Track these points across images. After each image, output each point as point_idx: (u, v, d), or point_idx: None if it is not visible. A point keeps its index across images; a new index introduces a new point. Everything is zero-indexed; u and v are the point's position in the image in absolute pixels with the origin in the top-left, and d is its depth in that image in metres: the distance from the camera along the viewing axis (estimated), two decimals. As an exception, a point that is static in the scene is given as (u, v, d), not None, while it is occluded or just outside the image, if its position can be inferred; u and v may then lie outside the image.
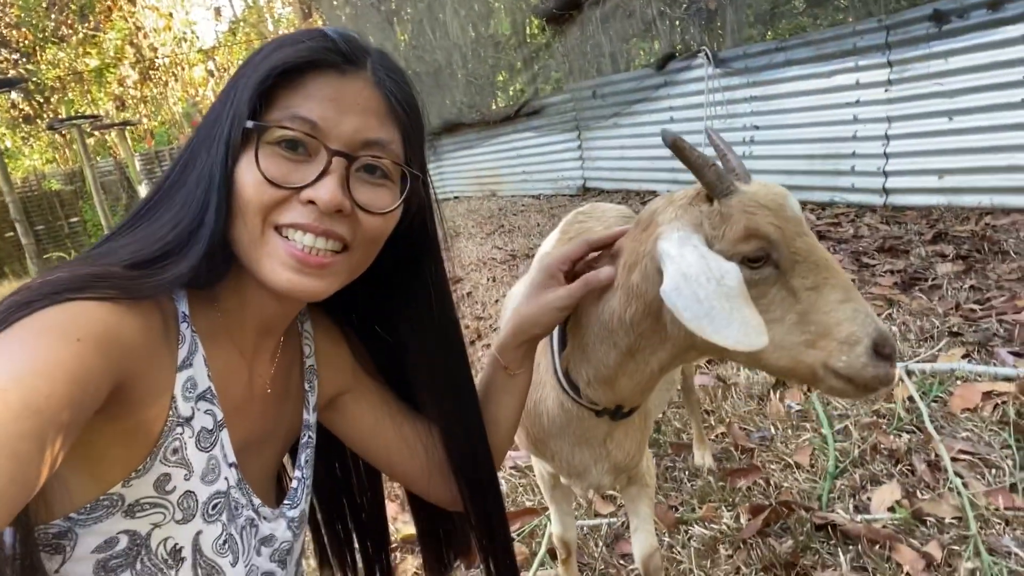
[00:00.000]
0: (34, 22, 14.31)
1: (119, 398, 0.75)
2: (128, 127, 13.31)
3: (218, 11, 18.07)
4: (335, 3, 13.47)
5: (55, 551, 0.77)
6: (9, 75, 12.24)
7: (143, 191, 13.88)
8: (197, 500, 0.87)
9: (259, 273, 0.88)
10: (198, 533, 0.87)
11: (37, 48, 14.39)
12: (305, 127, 0.85)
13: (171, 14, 16.39)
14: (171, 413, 0.83)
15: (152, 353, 0.81)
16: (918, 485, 2.07)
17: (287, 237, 0.86)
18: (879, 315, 3.18)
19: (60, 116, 13.15)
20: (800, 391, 2.75)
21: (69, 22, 14.56)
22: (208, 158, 0.87)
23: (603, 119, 8.22)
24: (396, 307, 1.10)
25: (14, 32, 14.23)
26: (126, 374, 0.76)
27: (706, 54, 6.44)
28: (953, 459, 2.12)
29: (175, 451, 0.83)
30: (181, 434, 0.84)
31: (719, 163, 1.08)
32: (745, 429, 2.60)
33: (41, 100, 14.67)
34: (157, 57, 16.21)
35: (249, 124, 0.84)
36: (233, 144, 0.85)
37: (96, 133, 14.25)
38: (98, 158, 16.02)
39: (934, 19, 4.72)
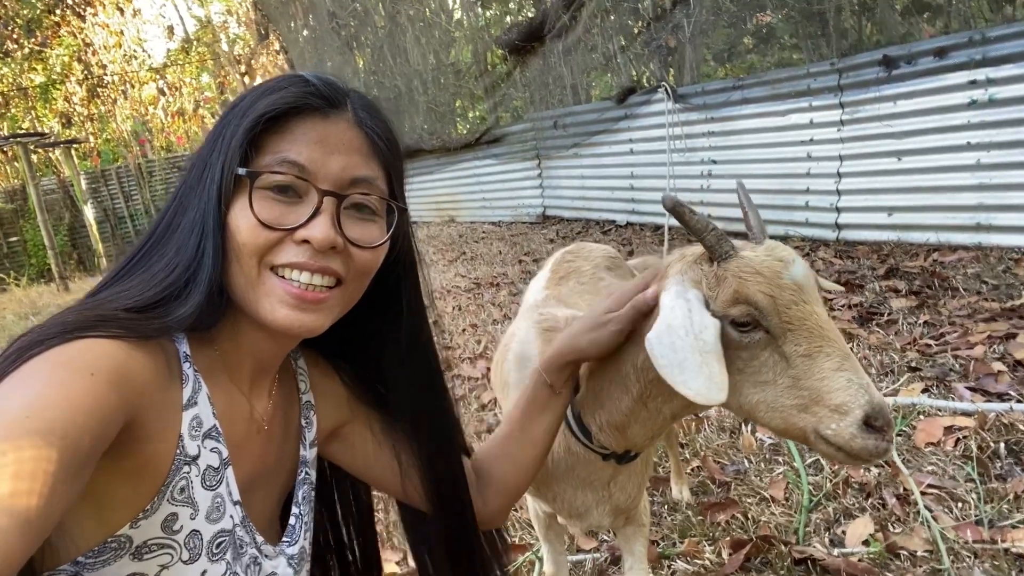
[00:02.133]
0: (-23, 36, 13.89)
1: (128, 435, 0.76)
2: (74, 145, 12.92)
3: (171, 29, 17.76)
4: (292, 26, 13.43)
5: None
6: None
7: (88, 211, 13.46)
8: (203, 539, 0.87)
9: (257, 313, 0.89)
10: (203, 573, 0.87)
11: (-21, 62, 13.95)
12: (294, 170, 0.88)
13: (122, 31, 16.06)
14: (178, 452, 0.84)
15: (159, 391, 0.82)
16: (889, 518, 2.14)
17: (283, 276, 0.89)
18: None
19: (2, 133, 12.69)
20: (770, 424, 2.82)
21: (14, 37, 14.13)
22: (200, 204, 0.89)
23: (564, 148, 8.36)
24: (379, 334, 1.13)
25: (-44, 45, 13.77)
26: (136, 411, 0.77)
27: (666, 89, 6.62)
28: (922, 493, 2.20)
29: (182, 490, 0.84)
30: (188, 472, 0.85)
31: (718, 227, 1.08)
32: (719, 462, 2.65)
33: (-18, 115, 14.18)
34: (106, 74, 15.84)
35: (241, 171, 0.87)
36: (225, 191, 0.88)
37: (40, 151, 13.80)
38: (42, 177, 15.51)
39: (883, 63, 4.97)
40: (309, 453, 1.11)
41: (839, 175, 5.40)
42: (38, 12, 14.32)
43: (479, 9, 9.79)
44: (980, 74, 4.44)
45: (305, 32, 13.22)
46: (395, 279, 1.08)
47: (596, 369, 1.24)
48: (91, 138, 15.58)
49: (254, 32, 16.45)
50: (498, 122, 9.52)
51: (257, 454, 1.01)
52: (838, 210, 5.42)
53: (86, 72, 15.26)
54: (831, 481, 2.36)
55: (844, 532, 2.13)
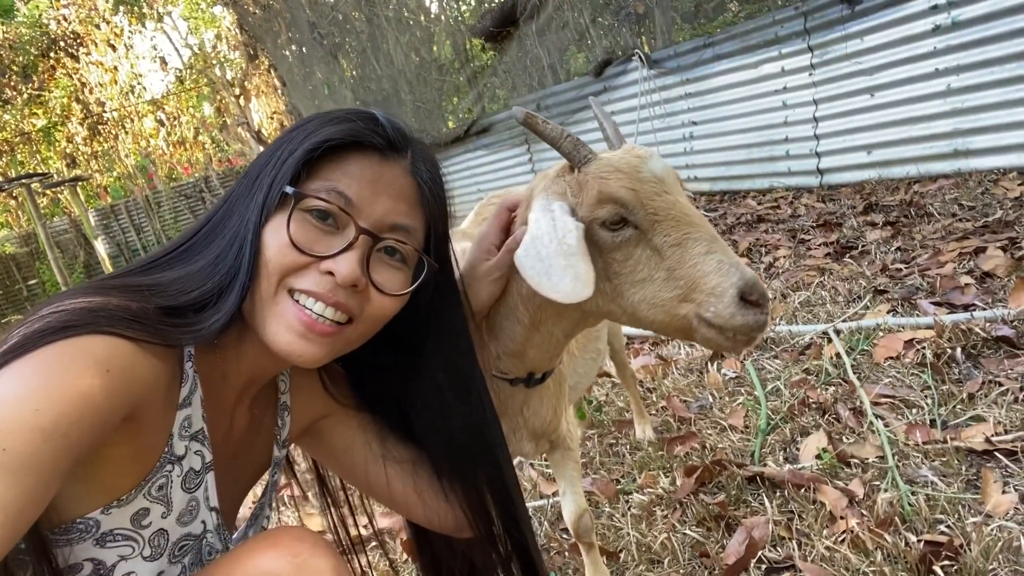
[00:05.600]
0: (-25, 87, 14.22)
1: (125, 427, 0.78)
2: (79, 183, 13.18)
3: (164, 61, 18.01)
4: (279, 42, 13.54)
5: (19, 567, 0.77)
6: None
7: (100, 246, 13.71)
8: (168, 539, 0.87)
9: (263, 331, 0.90)
10: (160, 573, 0.87)
11: (-20, 113, 14.29)
12: (340, 201, 0.89)
13: (116, 67, 16.33)
14: (167, 449, 0.85)
15: (162, 390, 0.84)
16: (843, 431, 2.13)
17: (297, 302, 0.88)
18: (811, 284, 3.27)
19: (8, 177, 13.01)
20: (736, 361, 2.82)
21: (12, 84, 14.45)
22: (244, 214, 0.90)
23: (549, 130, 8.34)
24: (406, 372, 1.12)
25: (-44, 97, 14.11)
26: (139, 406, 0.79)
27: (639, 56, 6.58)
28: (875, 403, 2.19)
29: (160, 487, 0.85)
30: (171, 472, 0.86)
31: (573, 134, 1.10)
32: (685, 401, 2.65)
33: (-11, 164, 14.53)
34: (105, 111, 16.12)
35: (288, 190, 0.88)
36: (269, 205, 0.88)
37: (48, 192, 14.09)
38: (53, 218, 15.84)
39: (846, 1, 4.90)
40: (281, 454, 1.12)
41: (815, 120, 5.34)
42: (32, 57, 14.62)
43: (454, 1, 9.82)
44: (941, -2, 4.36)
45: (293, 47, 13.33)
46: (425, 326, 1.08)
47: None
48: (96, 175, 15.87)
49: (244, 53, 16.62)
50: (484, 112, 9.54)
51: (228, 459, 1.01)
52: (818, 155, 5.36)
53: (85, 111, 15.55)
54: (788, 404, 2.35)
55: (799, 450, 2.13)
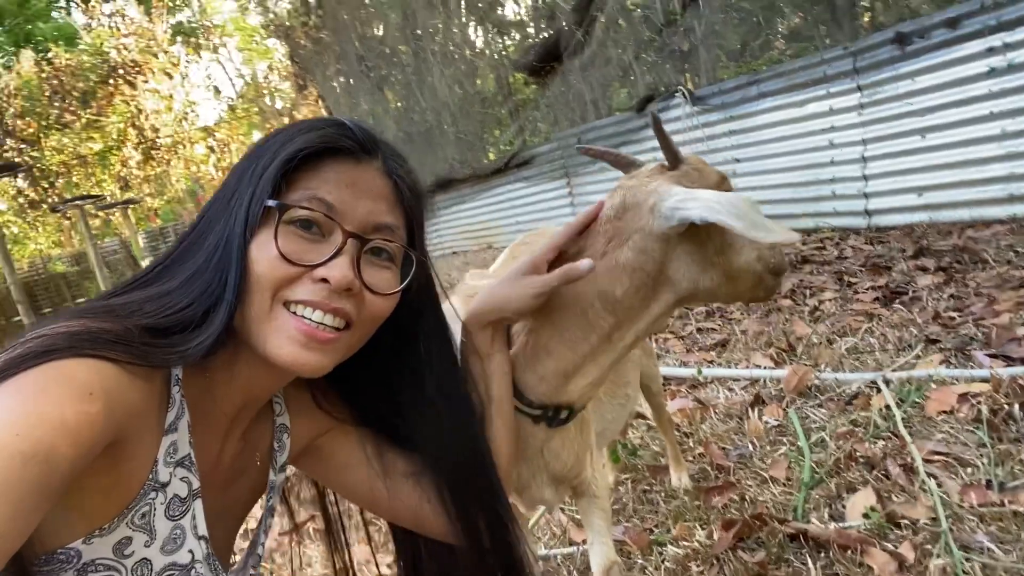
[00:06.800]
0: (38, 111, 14.80)
1: (108, 454, 0.76)
2: (131, 205, 13.59)
3: (217, 90, 18.65)
4: (328, 73, 13.90)
5: None
6: (14, 162, 12.59)
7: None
8: (152, 569, 0.84)
9: (264, 347, 0.88)
10: None
11: (41, 135, 14.85)
12: (323, 208, 0.88)
13: (172, 95, 16.91)
14: (150, 476, 0.83)
15: (147, 415, 0.82)
16: (893, 489, 2.02)
17: (295, 313, 0.87)
18: (859, 330, 3.17)
19: (65, 198, 13.48)
20: (779, 408, 2.71)
21: (72, 109, 15.05)
22: (224, 230, 0.88)
23: (590, 164, 8.34)
24: (394, 377, 1.11)
25: (19, 121, 14.70)
26: (123, 432, 0.77)
27: (683, 93, 6.57)
28: (927, 460, 2.07)
29: (143, 516, 0.82)
30: (154, 499, 0.83)
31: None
32: (724, 448, 2.56)
33: (46, 185, 15.06)
34: (159, 137, 16.66)
35: (271, 203, 0.87)
36: (251, 222, 0.87)
37: (100, 213, 14.56)
38: (105, 239, 16.33)
39: (897, 41, 4.83)
40: (278, 477, 1.10)
41: (864, 160, 5.24)
42: (92, 84, 15.22)
43: (499, 37, 9.95)
44: (996, 40, 4.26)
45: (340, 79, 13.67)
46: (410, 325, 1.07)
47: (541, 323, 1.21)
48: (147, 199, 16.36)
49: (294, 84, 17.09)
50: (525, 145, 9.59)
51: (219, 486, 0.99)
52: (866, 196, 5.24)
53: (140, 136, 16.09)
54: (834, 457, 2.24)
55: (844, 506, 2.02)
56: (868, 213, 5.23)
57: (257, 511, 1.13)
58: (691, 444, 2.66)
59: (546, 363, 1.21)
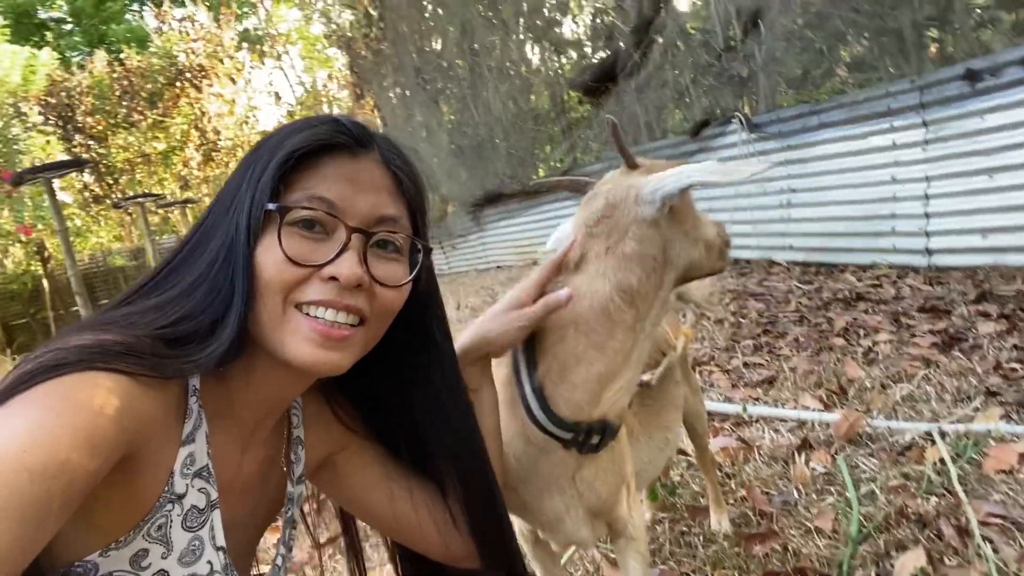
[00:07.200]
0: (107, 109, 15.37)
1: (123, 467, 0.76)
2: (189, 205, 13.99)
3: (278, 96, 19.11)
4: (385, 84, 14.11)
5: None
6: (80, 157, 13.13)
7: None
8: None
9: (281, 351, 0.88)
10: None
11: (109, 133, 15.41)
12: (324, 206, 0.88)
13: (234, 100, 17.39)
14: (166, 488, 0.83)
15: (163, 426, 0.82)
16: (945, 551, 1.93)
17: (308, 314, 0.88)
18: (915, 376, 3.06)
19: (127, 195, 13.96)
20: (827, 454, 2.62)
21: (139, 109, 15.59)
22: (226, 237, 0.88)
23: (641, 186, 8.27)
24: (406, 372, 1.11)
25: (89, 119, 15.28)
26: (137, 445, 0.77)
27: (740, 120, 6.47)
28: (983, 523, 1.97)
29: (159, 527, 0.82)
30: (170, 511, 0.83)
31: None
32: (767, 493, 2.48)
33: (111, 181, 15.61)
34: (220, 140, 17.13)
35: (271, 206, 0.86)
36: (254, 227, 0.87)
37: (160, 211, 15.00)
38: (163, 236, 16.82)
39: (967, 78, 4.68)
40: (296, 489, 1.10)
41: (927, 197, 5.07)
42: (160, 85, 15.76)
43: (556, 55, 9.98)
44: (1074, 80, 4.09)
45: (396, 90, 13.87)
46: (419, 317, 1.07)
47: (563, 335, 1.22)
48: (205, 199, 16.83)
49: (351, 93, 17.41)
50: (576, 163, 9.57)
51: (239, 496, 0.99)
52: (927, 235, 5.07)
53: (202, 138, 16.58)
54: (884, 511, 2.16)
55: (893, 565, 1.93)
56: (928, 252, 5.06)
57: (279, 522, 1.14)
58: (733, 486, 2.59)
59: (578, 370, 1.21)
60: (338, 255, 0.87)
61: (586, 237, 1.24)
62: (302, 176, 0.89)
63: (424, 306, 1.06)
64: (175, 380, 0.84)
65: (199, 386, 0.88)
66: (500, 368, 1.30)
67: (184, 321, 0.85)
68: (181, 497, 0.84)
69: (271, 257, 0.86)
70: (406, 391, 1.11)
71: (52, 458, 0.65)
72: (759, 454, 2.76)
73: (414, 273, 0.97)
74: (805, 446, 2.72)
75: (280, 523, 1.12)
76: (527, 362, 1.24)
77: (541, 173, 10.56)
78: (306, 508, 1.27)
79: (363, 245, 0.90)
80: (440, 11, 11.70)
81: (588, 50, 9.21)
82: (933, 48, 6.12)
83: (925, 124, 5.02)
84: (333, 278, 0.87)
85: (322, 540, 1.40)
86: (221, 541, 0.91)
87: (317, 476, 1.16)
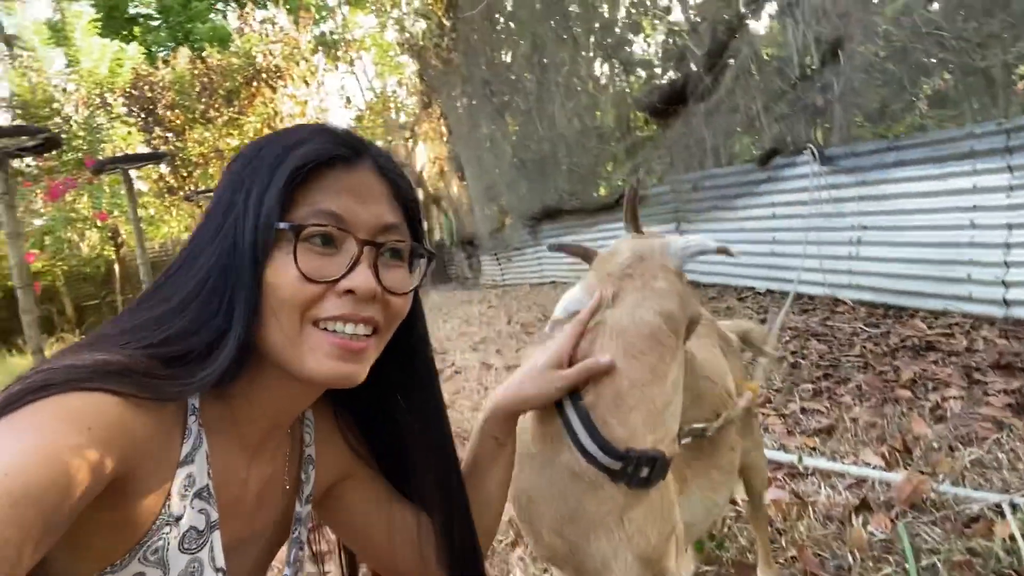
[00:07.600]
0: (186, 104, 15.93)
1: (116, 488, 0.74)
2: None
3: (349, 100, 19.54)
4: (453, 94, 14.27)
5: None
6: (160, 150, 13.62)
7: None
8: None
9: (299, 367, 0.87)
10: None
11: (187, 128, 15.96)
12: (333, 220, 0.87)
13: (306, 101, 17.81)
14: (163, 511, 0.81)
15: (159, 448, 0.80)
16: (1014, 644, 1.80)
17: (326, 329, 0.87)
18: (986, 440, 2.89)
19: (198, 188, 14.41)
20: (887, 518, 2.49)
21: (216, 106, 16.09)
22: (217, 258, 0.86)
23: (703, 212, 8.13)
24: (395, 383, 1.11)
25: (168, 113, 15.86)
26: (130, 466, 0.75)
27: (812, 151, 6.28)
28: (1059, 617, 1.83)
29: (156, 551, 0.80)
30: (167, 534, 0.81)
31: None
32: (819, 555, 2.36)
33: (185, 174, 16.16)
34: (290, 139, 17.54)
35: (283, 225, 0.85)
36: (263, 247, 0.85)
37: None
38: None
39: (1060, 123, 4.43)
40: (304, 509, 1.09)
41: (1007, 246, 4.81)
42: (237, 84, 16.26)
43: (624, 74, 9.90)
44: None
45: (464, 99, 14.01)
46: (405, 325, 1.05)
47: (613, 373, 1.21)
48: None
49: (419, 101, 17.65)
50: (638, 184, 9.47)
51: (245, 516, 0.98)
52: (1006, 284, 4.81)
53: (273, 137, 17.01)
54: (947, 590, 2.03)
55: (955, 653, 1.81)
56: (1007, 303, 4.80)
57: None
58: (784, 543, 2.47)
59: (632, 392, 1.21)
60: (351, 268, 0.87)
61: (618, 279, 1.30)
62: (304, 191, 0.87)
63: (414, 314, 1.06)
64: (172, 401, 0.82)
65: (199, 405, 0.86)
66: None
67: (176, 340, 0.83)
68: (178, 519, 0.82)
69: (286, 276, 0.85)
70: (393, 406, 1.11)
71: (33, 482, 0.62)
72: (813, 511, 2.64)
73: (422, 277, 0.99)
74: (864, 507, 2.59)
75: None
76: (570, 393, 1.23)
77: (603, 192, 10.48)
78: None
79: (374, 256, 0.90)
80: (512, 24, 11.78)
81: (658, 70, 9.10)
82: (1021, 86, 5.85)
83: (1011, 169, 4.77)
84: (349, 291, 0.87)
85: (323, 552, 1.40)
86: (221, 563, 0.88)
87: (321, 505, 1.15)
